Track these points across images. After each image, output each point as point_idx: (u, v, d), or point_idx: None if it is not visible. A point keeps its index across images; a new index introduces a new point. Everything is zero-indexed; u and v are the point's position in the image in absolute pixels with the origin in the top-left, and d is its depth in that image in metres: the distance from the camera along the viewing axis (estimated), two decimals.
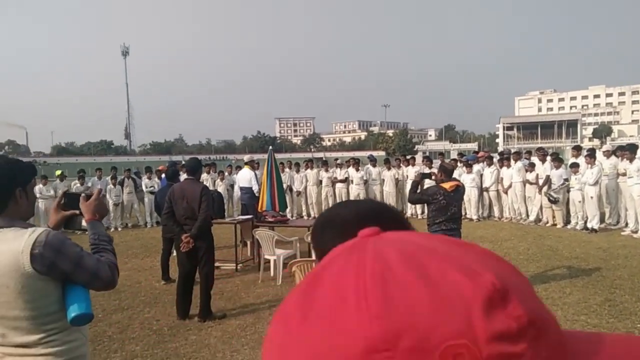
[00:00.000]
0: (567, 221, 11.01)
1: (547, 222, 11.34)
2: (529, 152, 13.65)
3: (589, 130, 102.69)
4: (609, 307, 5.48)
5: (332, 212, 0.94)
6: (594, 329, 4.86)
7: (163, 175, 10.75)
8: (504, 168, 12.48)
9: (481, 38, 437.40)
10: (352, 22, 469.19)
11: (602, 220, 10.53)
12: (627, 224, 10.15)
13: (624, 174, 9.93)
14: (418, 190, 6.16)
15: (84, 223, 2.19)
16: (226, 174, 15.03)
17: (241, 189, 10.27)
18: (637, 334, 4.67)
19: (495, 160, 13.22)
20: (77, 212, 2.18)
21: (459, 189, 5.85)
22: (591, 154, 10.46)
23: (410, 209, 13.78)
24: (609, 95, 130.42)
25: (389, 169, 14.12)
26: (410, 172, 13.58)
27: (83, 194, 2.19)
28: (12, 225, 1.82)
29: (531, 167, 11.78)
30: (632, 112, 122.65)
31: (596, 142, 72.42)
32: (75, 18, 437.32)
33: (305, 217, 13.90)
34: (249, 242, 9.15)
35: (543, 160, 11.71)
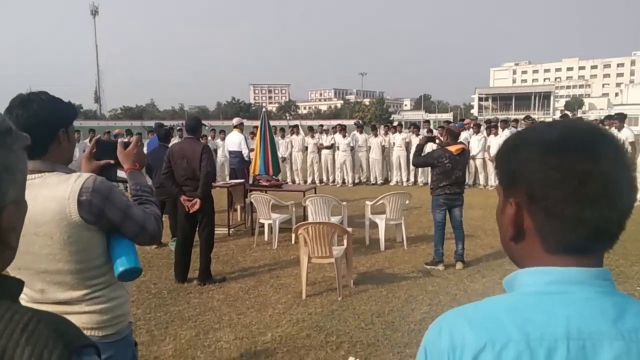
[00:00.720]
0: None
1: None
2: (516, 121, 13.72)
3: (561, 103, 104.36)
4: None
5: (530, 131, 0.81)
6: None
7: (150, 137, 10.40)
8: (492, 136, 12.51)
9: (458, 8, 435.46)
10: None
11: None
12: None
13: None
14: (423, 154, 6.08)
15: (120, 173, 2.02)
16: (209, 138, 14.69)
17: (230, 153, 9.99)
18: (637, 296, 4.76)
19: (482, 128, 13.23)
20: (112, 161, 2.00)
21: (464, 153, 5.85)
22: None
23: (395, 176, 13.77)
24: (581, 68, 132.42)
25: (375, 135, 14.01)
26: (397, 139, 13.52)
27: (120, 140, 2.01)
28: (55, 170, 1.63)
29: None
30: (603, 85, 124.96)
31: (567, 114, 73.71)
32: None
33: (290, 182, 13.76)
34: (239, 207, 8.99)
35: None
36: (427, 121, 15.65)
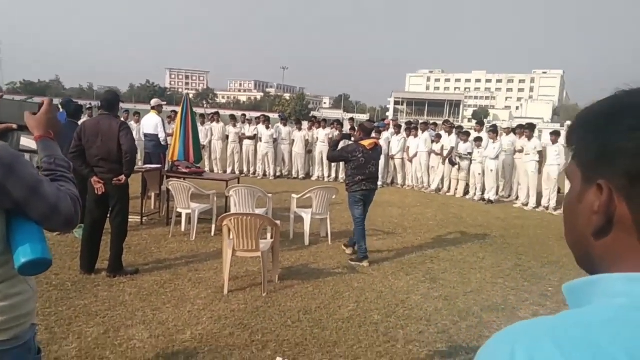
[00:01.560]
0: (466, 192, 11.65)
1: (448, 192, 11.91)
2: (435, 124, 14.17)
3: (469, 112, 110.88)
4: (521, 272, 5.82)
5: (634, 95, 0.63)
6: (513, 291, 5.12)
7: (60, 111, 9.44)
8: (411, 137, 12.81)
9: (379, 14, 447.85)
10: None
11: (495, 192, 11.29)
12: (517, 197, 11.00)
13: (521, 151, 10.68)
14: (338, 149, 6.13)
15: (24, 141, 1.65)
16: (122, 119, 13.69)
17: (145, 136, 9.33)
18: (549, 297, 5.00)
19: (402, 129, 13.51)
20: (14, 125, 1.63)
21: (377, 148, 5.97)
22: (494, 130, 11.08)
23: (317, 172, 13.71)
24: (488, 80, 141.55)
25: (299, 129, 13.83)
26: (320, 134, 13.44)
27: (27, 101, 1.63)
28: None
29: (438, 138, 12.22)
30: (506, 98, 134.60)
31: (474, 123, 78.35)
32: None
33: (209, 171, 13.20)
34: (154, 194, 8.43)
35: (449, 133, 12.20)
36: (352, 118, 15.67)
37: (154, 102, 9.53)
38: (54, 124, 1.61)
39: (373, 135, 12.76)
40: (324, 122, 13.99)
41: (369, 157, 5.74)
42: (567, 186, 9.69)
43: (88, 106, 14.73)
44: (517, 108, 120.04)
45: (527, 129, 10.54)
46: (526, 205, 10.39)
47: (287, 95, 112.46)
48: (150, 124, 9.25)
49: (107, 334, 3.70)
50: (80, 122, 5.93)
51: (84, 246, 5.00)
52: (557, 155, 9.93)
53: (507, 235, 7.74)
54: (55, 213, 1.42)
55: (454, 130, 12.25)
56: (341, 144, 6.66)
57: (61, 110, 6.76)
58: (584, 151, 0.64)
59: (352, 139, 6.72)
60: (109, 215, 5.08)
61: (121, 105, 5.31)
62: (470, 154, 11.23)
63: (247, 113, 16.64)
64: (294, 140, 13.68)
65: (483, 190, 11.15)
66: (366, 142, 5.79)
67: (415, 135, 12.70)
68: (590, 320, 0.56)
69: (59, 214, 1.43)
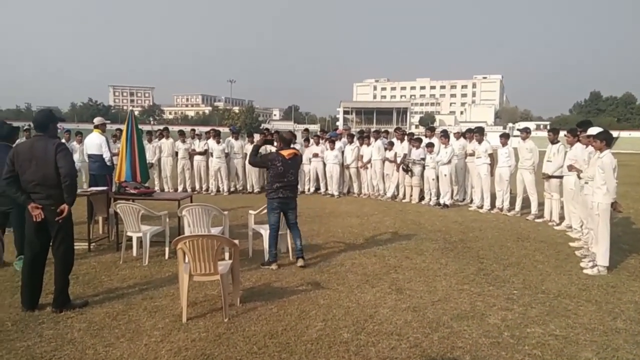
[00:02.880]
0: (421, 198, 11.72)
1: (403, 198, 11.95)
2: (387, 132, 14.25)
3: (416, 118, 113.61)
4: (484, 276, 5.81)
5: None
6: (479, 297, 5.08)
7: None
8: (364, 146, 12.81)
9: (323, 24, 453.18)
10: None
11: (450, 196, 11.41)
12: (472, 200, 11.16)
13: (472, 154, 10.86)
14: (258, 155, 6.54)
15: None
16: (63, 140, 12.99)
17: (89, 157, 8.82)
18: (516, 300, 4.99)
19: (355, 138, 13.51)
20: None
21: (297, 158, 6.32)
22: (445, 135, 11.23)
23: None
24: (432, 87, 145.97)
25: (251, 142, 13.57)
26: (272, 148, 13.21)
27: None
28: None
29: (390, 145, 12.27)
30: (450, 104, 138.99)
31: (421, 129, 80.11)
32: None
33: (159, 191, 12.69)
34: (101, 218, 7.96)
35: (401, 140, 12.27)
36: (307, 129, 15.57)
37: (97, 120, 9.05)
38: None
39: (327, 145, 12.78)
40: (276, 134, 13.76)
41: (288, 166, 6.07)
42: (518, 187, 9.93)
43: (25, 127, 13.89)
44: (462, 112, 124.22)
45: (477, 133, 10.73)
46: (481, 207, 10.55)
47: (236, 108, 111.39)
48: (93, 143, 8.77)
49: None
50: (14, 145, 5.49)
51: (25, 280, 4.57)
52: (508, 157, 10.15)
53: (466, 239, 7.78)
54: None
55: (406, 137, 12.34)
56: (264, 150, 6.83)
57: None
58: None
59: (275, 144, 7.03)
60: (51, 244, 4.66)
61: (62, 125, 4.92)
62: (423, 159, 11.32)
63: (196, 128, 16.15)
64: (246, 154, 13.39)
65: (438, 195, 11.25)
66: (286, 152, 6.12)
67: (368, 144, 12.71)
68: None
69: None
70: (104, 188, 7.66)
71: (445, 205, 10.88)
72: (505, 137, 10.44)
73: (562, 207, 8.88)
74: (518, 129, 9.89)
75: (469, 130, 11.43)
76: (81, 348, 3.81)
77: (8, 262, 6.07)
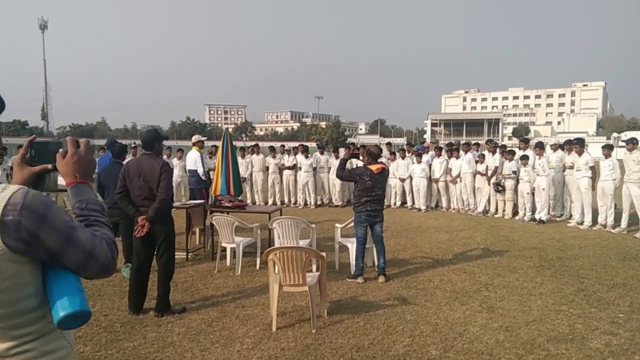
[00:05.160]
0: (514, 212, 11.19)
1: (496, 213, 11.48)
2: (477, 144, 13.82)
3: (509, 129, 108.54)
4: (585, 297, 5.43)
5: None
6: (580, 319, 4.75)
7: (102, 153, 9.72)
8: (453, 159, 12.51)
9: (411, 36, 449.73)
10: (287, 13, 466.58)
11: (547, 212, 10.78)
12: (571, 216, 10.47)
13: (572, 167, 10.20)
14: (346, 168, 6.63)
15: (61, 180, 1.58)
16: (164, 157, 14.02)
17: (189, 172, 9.48)
18: (621, 324, 4.61)
19: (443, 151, 13.23)
20: (50, 166, 1.57)
21: (384, 172, 6.38)
22: (540, 146, 10.68)
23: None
24: (526, 97, 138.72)
25: (337, 157, 13.75)
26: (359, 162, 13.30)
27: (60, 143, 1.57)
28: None
29: (481, 158, 11.88)
30: (546, 114, 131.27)
31: (515, 140, 76.49)
32: None
33: (250, 204, 13.24)
34: (198, 229, 8.46)
35: (493, 152, 11.84)
36: (389, 143, 15.52)
37: (194, 138, 9.67)
38: (84, 167, 1.54)
39: (413, 159, 12.64)
40: (362, 148, 13.85)
41: (376, 180, 6.12)
42: (624, 202, 9.17)
43: (132, 145, 15.19)
44: (559, 123, 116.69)
45: (577, 144, 10.08)
46: (581, 224, 9.86)
47: (323, 124, 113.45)
48: (191, 159, 9.41)
49: None
50: (124, 162, 6.04)
51: (132, 287, 4.99)
52: (612, 170, 9.43)
53: (564, 257, 7.31)
54: (92, 260, 1.34)
55: (498, 150, 11.88)
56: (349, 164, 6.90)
57: (104, 152, 6.89)
58: None
59: (361, 158, 7.13)
60: (155, 254, 5.06)
61: (164, 142, 5.34)
62: (515, 172, 10.82)
63: (285, 143, 16.69)
64: (331, 168, 13.61)
65: (533, 210, 10.68)
66: (374, 167, 6.17)
67: (457, 157, 12.40)
68: None
69: (95, 261, 1.35)
70: (201, 201, 8.15)
71: (541, 221, 10.30)
72: (608, 149, 9.72)
73: None
74: (623, 140, 9.09)
75: (568, 142, 10.76)
76: (180, 351, 4.08)
77: (117, 269, 6.65)
